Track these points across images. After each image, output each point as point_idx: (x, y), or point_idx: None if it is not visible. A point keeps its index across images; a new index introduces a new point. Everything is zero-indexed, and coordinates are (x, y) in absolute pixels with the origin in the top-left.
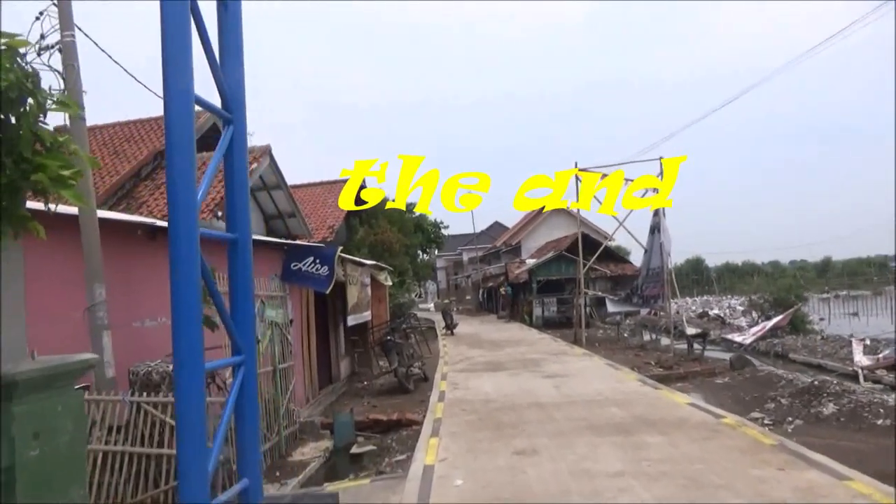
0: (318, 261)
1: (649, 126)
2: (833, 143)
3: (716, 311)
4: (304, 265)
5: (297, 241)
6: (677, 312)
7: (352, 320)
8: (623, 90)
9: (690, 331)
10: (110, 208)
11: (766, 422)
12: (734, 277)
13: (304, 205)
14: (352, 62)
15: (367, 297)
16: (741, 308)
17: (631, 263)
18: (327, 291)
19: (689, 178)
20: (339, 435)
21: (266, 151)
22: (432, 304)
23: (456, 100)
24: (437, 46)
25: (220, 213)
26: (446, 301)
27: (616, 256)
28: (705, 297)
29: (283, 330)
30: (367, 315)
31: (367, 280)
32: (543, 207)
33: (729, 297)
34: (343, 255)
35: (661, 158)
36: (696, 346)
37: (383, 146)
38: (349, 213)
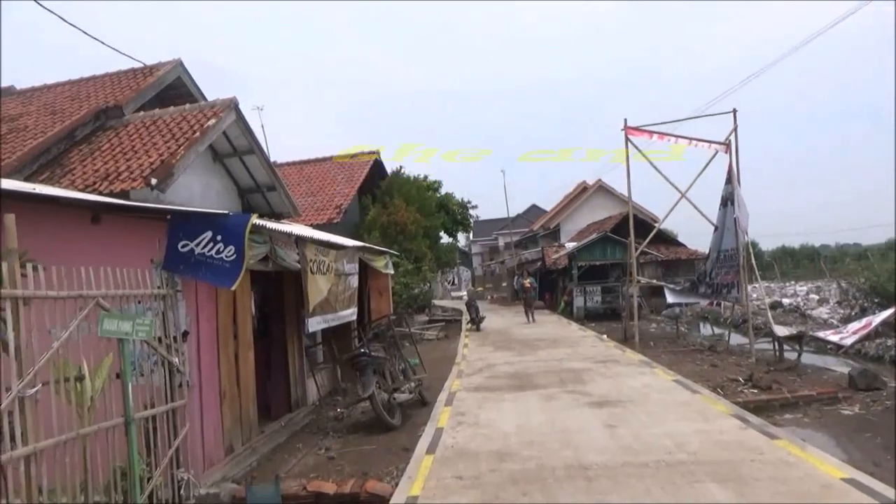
0: (219, 237)
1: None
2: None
3: (787, 300)
4: (197, 245)
5: (186, 208)
6: (762, 304)
7: (316, 323)
8: (658, 77)
9: (781, 331)
10: (28, 178)
11: None
12: (791, 262)
13: (311, 182)
14: (379, 50)
15: (351, 291)
16: (815, 297)
17: (685, 246)
18: (233, 287)
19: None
20: None
21: (230, 105)
22: (465, 293)
23: (488, 86)
24: (465, 35)
25: (153, 181)
26: (478, 289)
27: (668, 238)
28: (766, 284)
29: (159, 350)
30: (347, 314)
31: (352, 267)
32: (584, 188)
33: (792, 283)
34: (272, 225)
35: (734, 111)
36: (784, 347)
37: (418, 134)
38: (360, 191)
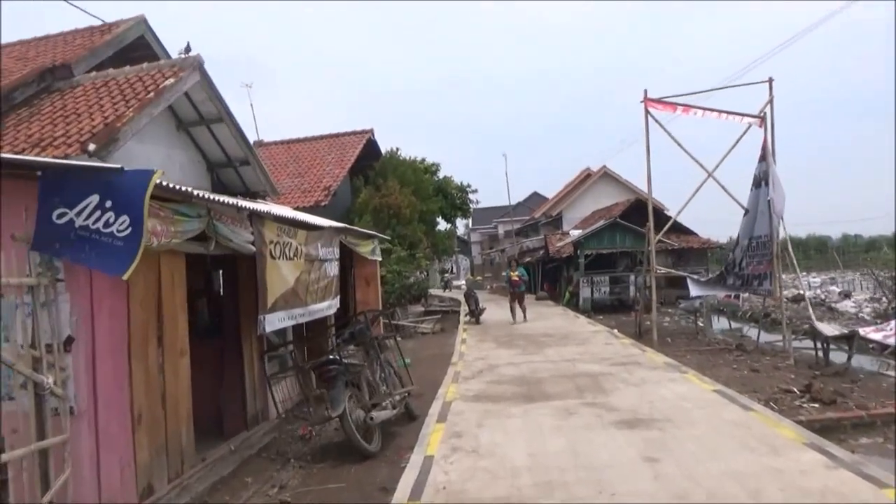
0: (108, 203)
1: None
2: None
3: (808, 292)
4: (79, 215)
5: (62, 161)
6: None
7: (278, 320)
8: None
9: (829, 329)
10: None
11: None
12: (800, 252)
13: (300, 162)
14: (386, 42)
15: (328, 280)
16: (836, 289)
17: (696, 235)
18: (125, 275)
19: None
20: None
21: (193, 64)
22: (464, 282)
23: (492, 77)
24: (472, 25)
25: (91, 147)
26: (478, 278)
27: (679, 226)
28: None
29: (15, 367)
30: (323, 307)
31: (330, 252)
32: (588, 175)
33: (804, 274)
34: (209, 195)
35: (770, 80)
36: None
37: (421, 126)
38: (352, 172)
